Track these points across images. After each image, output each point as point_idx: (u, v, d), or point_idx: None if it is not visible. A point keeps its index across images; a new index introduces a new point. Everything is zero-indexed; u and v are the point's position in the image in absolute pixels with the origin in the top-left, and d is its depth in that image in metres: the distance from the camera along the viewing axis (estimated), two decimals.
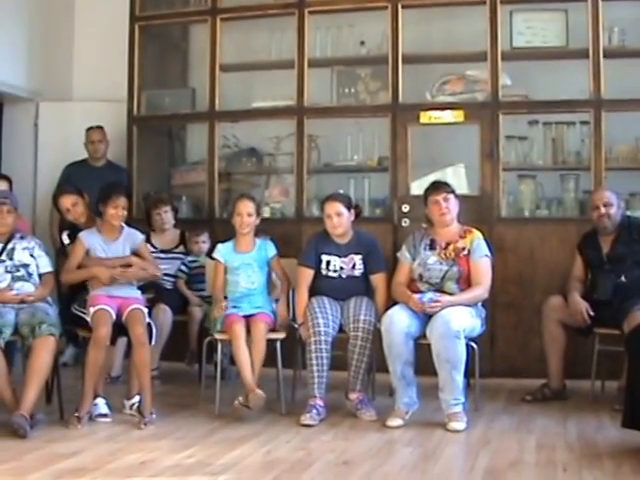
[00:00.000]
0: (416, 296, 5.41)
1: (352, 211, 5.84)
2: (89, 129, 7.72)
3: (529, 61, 7.13)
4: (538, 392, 6.04)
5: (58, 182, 7.56)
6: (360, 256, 5.83)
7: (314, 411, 5.40)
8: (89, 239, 5.65)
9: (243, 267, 5.84)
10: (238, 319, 5.60)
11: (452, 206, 5.67)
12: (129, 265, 5.64)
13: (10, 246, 5.59)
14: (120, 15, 7.73)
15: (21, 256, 5.60)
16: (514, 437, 5.05)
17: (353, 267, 5.82)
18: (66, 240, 5.88)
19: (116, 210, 5.61)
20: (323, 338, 5.51)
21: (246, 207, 5.85)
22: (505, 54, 6.88)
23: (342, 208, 5.78)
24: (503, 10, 6.87)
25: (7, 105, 8.35)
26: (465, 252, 5.60)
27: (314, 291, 5.81)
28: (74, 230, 5.86)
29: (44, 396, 5.59)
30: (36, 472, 4.29)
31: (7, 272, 5.52)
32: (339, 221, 5.77)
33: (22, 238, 5.70)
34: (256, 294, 5.82)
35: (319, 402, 5.47)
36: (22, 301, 5.42)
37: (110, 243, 5.67)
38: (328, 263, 5.83)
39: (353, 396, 5.60)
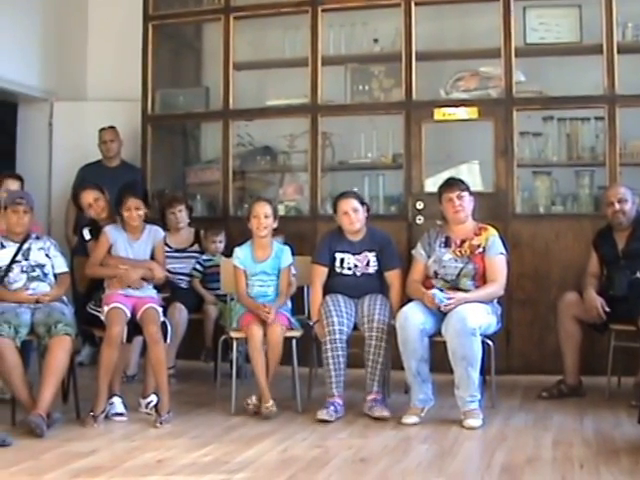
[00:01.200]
0: (429, 292, 5.41)
1: (364, 207, 5.85)
2: (102, 129, 7.75)
3: (543, 57, 7.10)
4: (554, 388, 6.03)
5: (73, 184, 7.57)
6: (374, 253, 5.83)
7: (331, 408, 5.39)
8: (114, 234, 5.67)
9: (259, 274, 5.84)
10: (254, 319, 5.61)
11: (466, 204, 5.66)
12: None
13: (26, 246, 5.61)
14: (133, 14, 7.76)
15: (37, 256, 5.62)
16: (530, 434, 5.05)
17: (367, 264, 5.82)
18: (87, 236, 5.91)
19: (130, 212, 5.62)
20: (338, 337, 5.51)
21: (263, 209, 5.82)
22: (519, 50, 6.86)
23: (357, 204, 5.79)
24: (516, 6, 6.86)
25: (22, 105, 8.39)
26: (480, 250, 5.59)
27: (328, 289, 5.81)
28: (95, 226, 5.89)
29: (60, 395, 5.61)
30: (53, 471, 4.31)
31: (23, 272, 5.54)
32: (356, 217, 5.78)
33: (38, 238, 5.72)
34: (271, 294, 5.84)
35: (338, 400, 5.47)
36: (38, 301, 5.45)
37: (133, 242, 5.69)
38: (342, 261, 5.83)
39: (370, 397, 5.52)
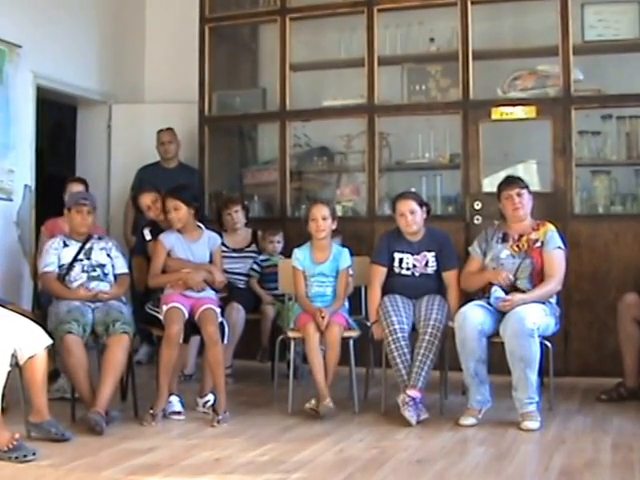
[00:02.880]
0: (492, 288, 5.38)
1: (424, 209, 5.82)
2: (159, 131, 7.84)
3: (601, 55, 7.02)
4: (613, 391, 5.95)
5: (132, 185, 7.71)
6: (433, 253, 5.80)
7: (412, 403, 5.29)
8: (170, 240, 5.71)
9: (318, 276, 5.85)
10: (312, 319, 5.61)
11: (525, 201, 5.62)
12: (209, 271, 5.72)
13: (88, 246, 5.68)
14: (190, 17, 7.81)
15: (98, 256, 5.68)
16: (589, 437, 4.98)
17: (426, 265, 5.79)
18: (148, 236, 5.97)
19: (169, 214, 5.68)
20: (400, 335, 5.47)
21: (320, 211, 5.82)
22: (577, 48, 6.78)
23: (415, 206, 5.76)
24: (574, 3, 6.78)
25: (81, 108, 8.52)
26: (538, 244, 5.54)
27: (387, 289, 5.79)
28: (155, 227, 5.97)
29: (119, 394, 5.68)
30: (111, 468, 4.36)
31: (83, 271, 5.60)
32: (413, 219, 5.75)
33: (100, 239, 5.79)
34: (329, 295, 5.84)
35: (417, 394, 5.35)
36: (96, 298, 5.50)
37: (191, 244, 5.74)
38: (401, 261, 5.81)
39: (412, 392, 5.33)
